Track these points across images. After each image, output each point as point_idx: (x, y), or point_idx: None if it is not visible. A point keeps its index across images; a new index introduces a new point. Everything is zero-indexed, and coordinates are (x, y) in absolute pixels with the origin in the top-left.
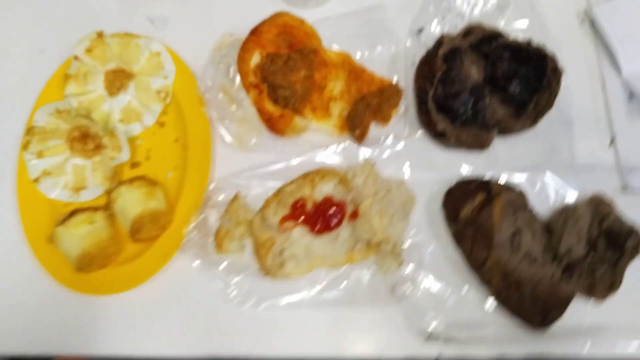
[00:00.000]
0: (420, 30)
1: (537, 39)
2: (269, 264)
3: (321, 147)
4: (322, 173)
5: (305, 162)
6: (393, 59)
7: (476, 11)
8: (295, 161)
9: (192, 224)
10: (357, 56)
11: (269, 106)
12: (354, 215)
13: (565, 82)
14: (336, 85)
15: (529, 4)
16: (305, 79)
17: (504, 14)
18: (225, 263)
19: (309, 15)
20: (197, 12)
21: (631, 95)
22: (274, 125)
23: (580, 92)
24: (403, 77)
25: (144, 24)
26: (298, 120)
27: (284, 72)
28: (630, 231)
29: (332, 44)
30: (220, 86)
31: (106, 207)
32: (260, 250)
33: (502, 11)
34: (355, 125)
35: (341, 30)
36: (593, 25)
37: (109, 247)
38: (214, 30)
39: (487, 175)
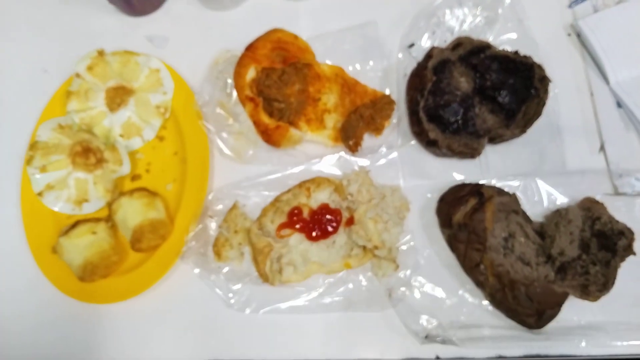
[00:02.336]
0: (411, 45)
1: (526, 53)
2: (268, 270)
3: (316, 158)
4: (317, 182)
5: (301, 172)
6: (385, 73)
7: (465, 26)
8: (291, 171)
9: (192, 233)
10: (350, 70)
11: (265, 118)
12: (350, 222)
13: (554, 91)
14: (330, 98)
15: (516, 19)
16: (300, 92)
17: (492, 29)
18: (225, 270)
19: (303, 32)
20: (195, 30)
21: (619, 104)
22: (270, 137)
23: (569, 101)
24: (395, 89)
25: (143, 43)
26: (293, 132)
27: (278, 86)
28: (621, 231)
29: (326, 59)
30: (217, 101)
31: (108, 218)
32: (258, 256)
33: (490, 26)
34: (349, 136)
35: (334, 45)
36: (580, 38)
37: (111, 256)
38: (211, 47)
39: (476, 182)
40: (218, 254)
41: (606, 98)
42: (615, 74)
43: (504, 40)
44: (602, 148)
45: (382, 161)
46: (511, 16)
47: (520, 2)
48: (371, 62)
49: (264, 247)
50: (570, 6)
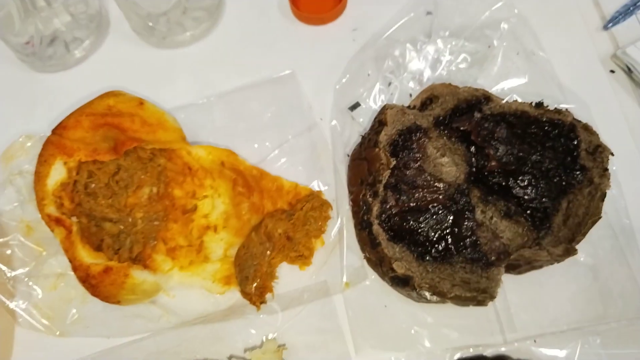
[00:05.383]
0: (354, 106)
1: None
2: None
3: (190, 319)
4: None
5: (163, 350)
6: (312, 153)
7: (441, 69)
8: (144, 349)
9: None
10: (249, 153)
11: (85, 254)
12: None
13: (610, 166)
14: (215, 205)
15: (523, 51)
16: (154, 200)
17: (485, 70)
18: None
19: (167, 97)
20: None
21: None
22: (95, 289)
23: (635, 179)
24: (332, 181)
25: None
26: (138, 276)
27: (110, 193)
28: None
29: (206, 137)
30: (19, 222)
31: None
32: None
33: (480, 66)
34: (249, 275)
35: (225, 113)
36: (632, 75)
37: None
38: (8, 131)
39: (495, 349)
40: None
41: None
42: None
43: (508, 87)
44: None
45: (313, 317)
46: (514, 47)
47: (526, 25)
48: (289, 137)
49: None
50: (605, 27)
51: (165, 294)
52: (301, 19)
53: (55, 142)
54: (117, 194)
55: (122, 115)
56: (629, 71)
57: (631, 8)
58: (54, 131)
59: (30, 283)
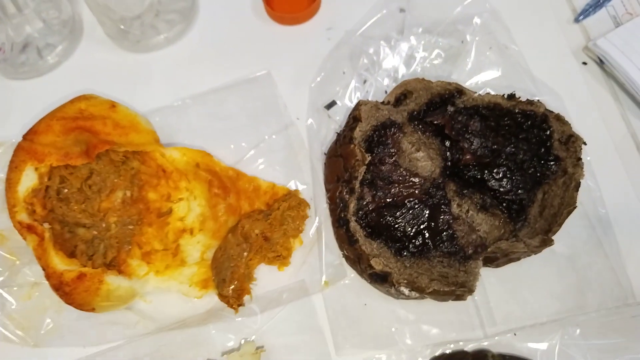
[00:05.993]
0: (330, 105)
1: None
2: None
3: (167, 324)
4: None
5: (140, 356)
6: (289, 152)
7: (415, 66)
8: (121, 357)
9: None
10: (227, 153)
11: (58, 261)
12: None
13: (584, 157)
14: (191, 207)
15: (496, 45)
16: (127, 204)
17: (458, 65)
18: None
19: (143, 101)
20: None
21: None
22: (69, 296)
23: (610, 175)
24: (310, 179)
25: None
26: (114, 282)
27: (83, 198)
28: None
29: (182, 139)
30: None
31: None
32: None
33: (454, 61)
34: (226, 278)
35: (200, 116)
36: (604, 66)
37: None
38: None
39: (476, 343)
40: None
41: None
42: None
43: (482, 80)
44: None
45: (293, 318)
46: (487, 41)
47: (498, 20)
48: (266, 137)
49: None
50: (576, 20)
51: (141, 300)
52: (275, 19)
53: (26, 147)
54: (90, 198)
55: (94, 118)
56: (600, 62)
57: (601, 1)
58: (24, 137)
59: (4, 293)
